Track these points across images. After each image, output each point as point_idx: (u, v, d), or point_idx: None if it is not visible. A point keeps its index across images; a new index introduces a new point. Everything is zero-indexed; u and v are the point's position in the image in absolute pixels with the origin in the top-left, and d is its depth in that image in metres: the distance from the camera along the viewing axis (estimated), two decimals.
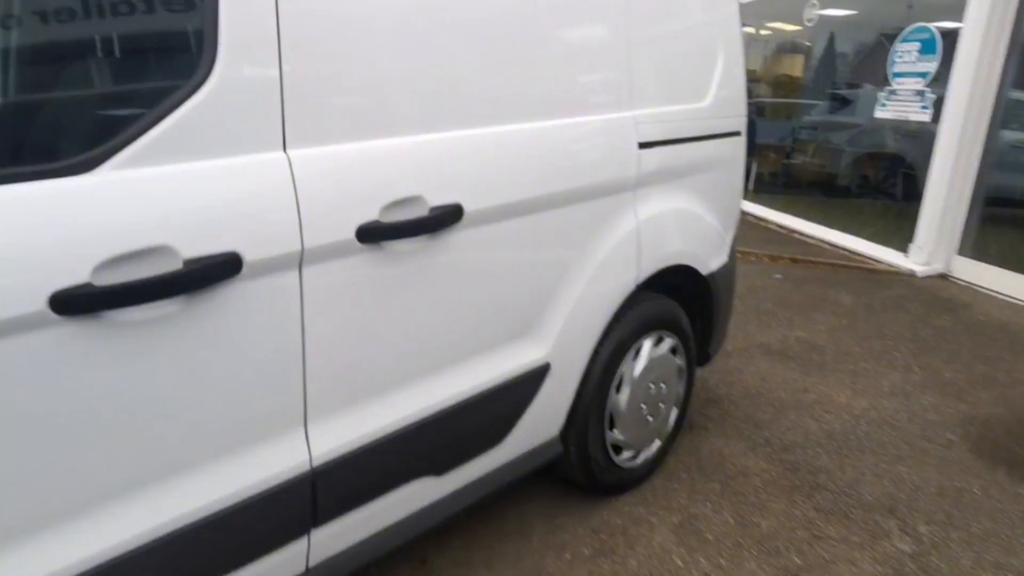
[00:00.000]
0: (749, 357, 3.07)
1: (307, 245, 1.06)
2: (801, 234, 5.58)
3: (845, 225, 5.45)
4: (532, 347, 1.55)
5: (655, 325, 1.93)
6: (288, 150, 1.06)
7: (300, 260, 1.06)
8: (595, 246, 1.64)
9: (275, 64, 1.03)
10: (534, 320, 1.54)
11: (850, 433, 2.40)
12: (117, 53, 0.93)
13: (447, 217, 1.26)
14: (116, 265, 0.88)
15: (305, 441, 1.15)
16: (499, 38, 1.36)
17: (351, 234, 1.12)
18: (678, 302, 2.05)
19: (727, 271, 2.23)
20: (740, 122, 2.19)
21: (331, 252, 1.10)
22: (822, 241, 5.30)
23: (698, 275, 2.05)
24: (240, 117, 1.00)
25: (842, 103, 6.91)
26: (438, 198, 1.25)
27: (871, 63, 6.70)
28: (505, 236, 1.40)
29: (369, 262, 1.17)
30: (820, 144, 7.26)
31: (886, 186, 6.60)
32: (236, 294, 1.00)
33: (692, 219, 1.98)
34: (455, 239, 1.30)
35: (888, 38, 6.45)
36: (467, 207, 1.29)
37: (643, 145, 1.74)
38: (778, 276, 4.38)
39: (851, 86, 6.93)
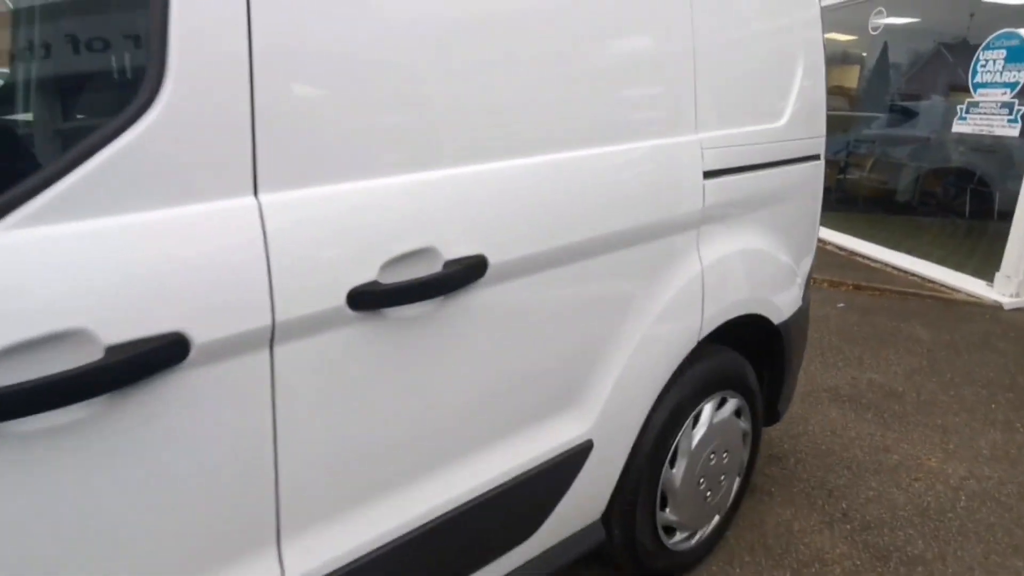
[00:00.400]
0: (815, 404, 2.73)
1: (280, 318, 0.82)
2: (863, 256, 5.16)
3: (912, 247, 5.02)
4: (571, 423, 1.28)
5: (718, 385, 1.63)
6: (260, 195, 0.81)
7: (271, 337, 0.82)
8: (650, 298, 1.35)
9: (244, 85, 0.78)
10: (574, 391, 1.26)
11: (948, 510, 2.05)
12: (20, 75, 0.71)
13: (467, 273, 0.99)
14: (5, 360, 0.65)
15: (278, 563, 0.90)
16: (530, 49, 1.09)
17: (341, 300, 0.87)
18: (743, 352, 1.75)
19: (801, 317, 1.92)
20: (819, 144, 1.88)
21: (313, 325, 0.85)
22: (887, 265, 4.88)
23: (769, 323, 1.75)
24: (194, 154, 0.76)
25: (904, 115, 6.46)
26: (455, 249, 0.99)
27: (934, 73, 6.28)
28: (539, 292, 1.13)
29: (365, 334, 0.91)
30: (879, 158, 6.80)
31: (956, 205, 6.12)
32: (180, 386, 0.76)
33: (765, 260, 1.68)
34: (477, 299, 1.03)
35: (948, 47, 6.02)
36: (492, 259, 1.03)
37: (709, 174, 1.45)
38: (841, 305, 3.99)
39: (912, 97, 6.48)
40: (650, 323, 1.35)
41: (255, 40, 0.78)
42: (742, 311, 1.60)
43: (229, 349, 0.78)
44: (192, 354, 0.75)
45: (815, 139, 1.86)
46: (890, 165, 6.72)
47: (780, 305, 1.76)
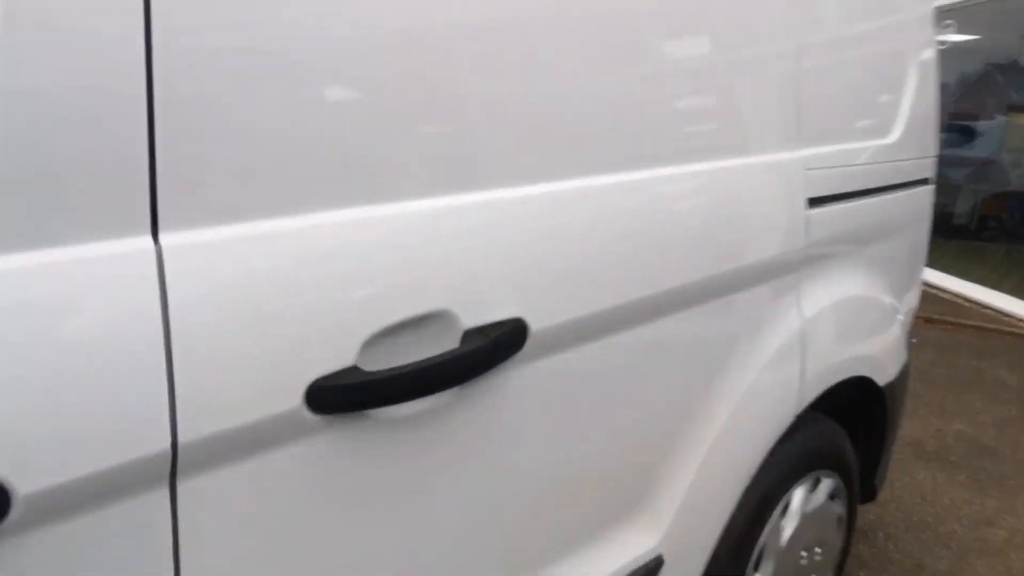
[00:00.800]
0: (899, 461, 2.27)
1: (187, 438, 0.48)
2: (929, 286, 4.61)
3: (980, 276, 4.47)
4: (635, 536, 0.91)
5: (812, 464, 1.24)
6: (161, 235, 0.49)
7: (171, 470, 0.49)
8: (738, 365, 0.98)
9: (138, 64, 0.46)
10: (640, 494, 0.90)
11: None
12: None
13: (497, 348, 0.64)
14: None
15: None
16: (589, 35, 0.75)
17: (296, 399, 0.53)
18: (834, 416, 1.35)
19: (906, 375, 1.51)
20: (930, 165, 1.48)
21: (247, 443, 0.52)
22: (957, 295, 4.33)
23: (872, 385, 1.35)
24: (36, 167, 0.44)
25: (964, 134, 5.90)
26: (479, 312, 0.64)
27: (1003, 90, 5.77)
28: (595, 367, 0.77)
29: (336, 448, 0.57)
30: (937, 181, 6.23)
31: (1022, 230, 5.52)
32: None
33: (873, 308, 1.28)
34: (510, 382, 0.68)
35: (999, 67, 5.49)
36: (533, 324, 0.68)
37: (814, 202, 1.08)
38: (913, 340, 3.49)
39: (973, 116, 5.93)
40: (737, 399, 0.98)
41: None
42: (847, 374, 1.21)
43: (89, 496, 0.45)
44: (14, 513, 0.42)
45: (926, 159, 1.46)
46: (948, 187, 6.16)
47: (887, 362, 1.36)
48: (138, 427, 0.45)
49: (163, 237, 0.48)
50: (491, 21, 0.65)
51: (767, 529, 1.16)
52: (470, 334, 0.63)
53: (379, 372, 0.56)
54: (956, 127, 6.03)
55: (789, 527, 1.20)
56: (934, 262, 4.84)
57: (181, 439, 0.47)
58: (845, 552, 1.45)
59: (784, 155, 1.03)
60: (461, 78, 0.62)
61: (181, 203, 0.48)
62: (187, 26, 0.47)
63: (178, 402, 0.47)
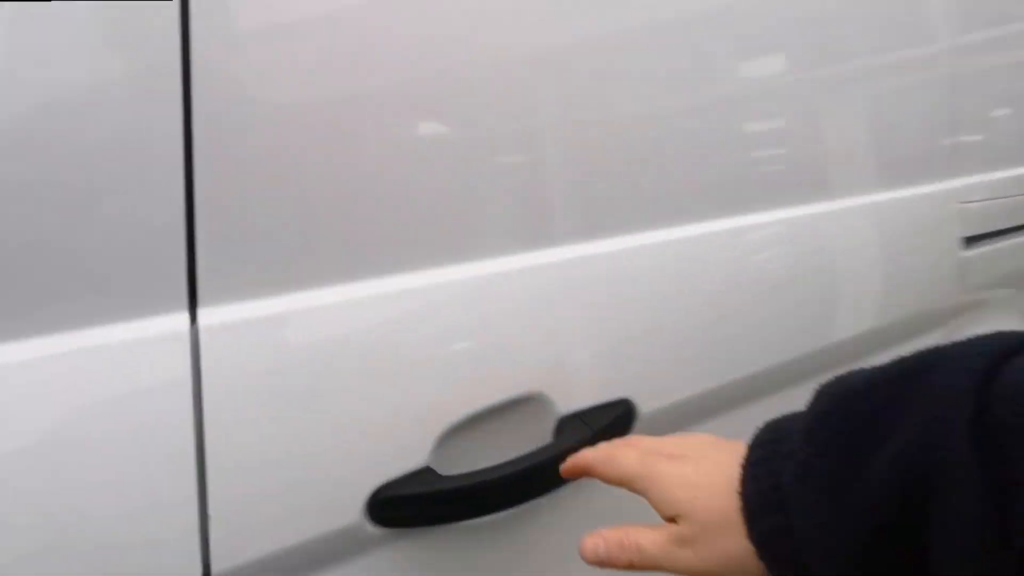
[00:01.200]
0: None
1: (221, 566, 0.38)
2: None
3: None
4: None
5: None
6: (200, 310, 0.39)
7: None
8: None
9: (175, 102, 0.36)
10: None
11: None
12: None
13: (600, 438, 0.51)
14: None
15: None
16: (701, 43, 0.61)
17: (355, 512, 0.42)
18: None
19: None
20: None
21: (292, 566, 0.41)
22: None
23: None
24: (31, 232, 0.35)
25: None
26: (578, 394, 0.51)
27: None
28: None
29: (406, 564, 0.46)
30: None
31: None
32: None
33: None
34: None
35: None
36: (643, 406, 0.55)
37: (970, 241, 0.88)
38: None
39: None
40: None
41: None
42: None
43: None
44: None
45: None
46: None
47: None
48: (159, 557, 0.36)
49: (204, 313, 0.38)
50: (588, 47, 0.53)
51: None
52: (566, 422, 0.50)
53: (459, 477, 0.44)
54: None
55: None
56: None
57: (215, 570, 0.37)
58: None
59: (936, 186, 0.84)
60: (532, 116, 0.50)
61: (230, 270, 0.39)
62: (230, 63, 0.38)
63: (212, 524, 0.37)
